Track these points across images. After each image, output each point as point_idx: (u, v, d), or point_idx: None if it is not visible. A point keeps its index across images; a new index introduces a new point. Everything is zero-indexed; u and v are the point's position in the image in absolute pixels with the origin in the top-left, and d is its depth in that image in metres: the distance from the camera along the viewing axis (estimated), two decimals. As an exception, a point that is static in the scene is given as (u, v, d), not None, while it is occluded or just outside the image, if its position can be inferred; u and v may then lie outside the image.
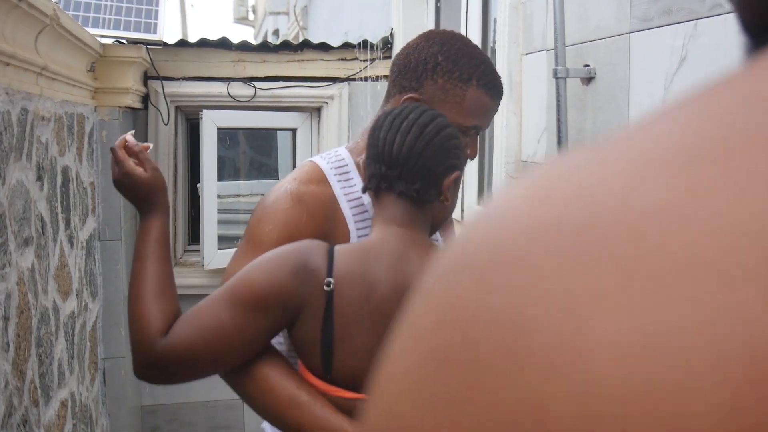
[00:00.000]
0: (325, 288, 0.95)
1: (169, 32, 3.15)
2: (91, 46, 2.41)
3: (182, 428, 3.19)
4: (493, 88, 1.15)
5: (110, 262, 2.70)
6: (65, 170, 2.18)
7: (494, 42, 2.39)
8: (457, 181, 1.08)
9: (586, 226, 0.16)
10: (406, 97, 1.13)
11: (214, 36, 3.04)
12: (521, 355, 0.15)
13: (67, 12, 2.34)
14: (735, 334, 0.13)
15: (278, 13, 8.97)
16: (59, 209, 2.12)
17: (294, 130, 3.30)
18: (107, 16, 2.92)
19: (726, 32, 1.11)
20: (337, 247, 0.99)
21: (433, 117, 1.02)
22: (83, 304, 2.39)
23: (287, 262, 0.95)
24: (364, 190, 1.06)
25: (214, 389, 3.21)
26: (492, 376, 0.15)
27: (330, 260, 0.96)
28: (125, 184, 1.04)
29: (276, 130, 3.76)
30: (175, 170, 3.06)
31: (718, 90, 0.17)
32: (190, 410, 3.19)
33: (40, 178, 1.91)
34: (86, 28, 2.52)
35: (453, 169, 1.03)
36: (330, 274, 0.95)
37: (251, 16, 13.29)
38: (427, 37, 1.17)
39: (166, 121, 2.94)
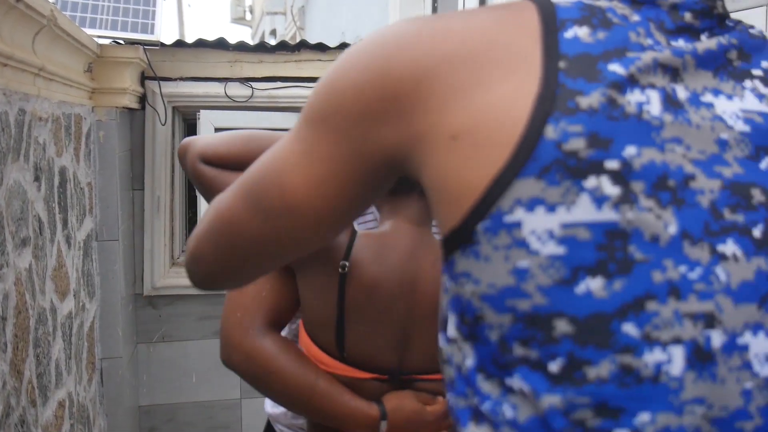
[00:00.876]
0: (340, 270, 0.96)
1: (166, 32, 3.16)
2: (89, 47, 2.41)
3: (180, 428, 3.19)
4: None
5: (107, 263, 2.70)
6: (63, 171, 2.19)
7: (491, 42, 2.39)
8: None
9: (430, 33, 0.56)
10: None
11: (211, 36, 3.06)
12: (386, 46, 0.57)
13: (64, 12, 2.34)
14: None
15: (275, 13, 8.98)
16: (57, 210, 2.12)
17: (291, 131, 3.30)
18: (104, 17, 2.92)
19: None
20: (360, 232, 1.00)
21: None
22: (81, 304, 2.39)
23: None
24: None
25: (213, 389, 3.21)
26: (374, 56, 0.58)
27: (350, 242, 0.98)
28: None
29: (273, 130, 3.76)
30: (173, 170, 3.06)
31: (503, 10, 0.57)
32: (188, 410, 3.19)
33: (37, 179, 1.91)
34: (83, 29, 2.52)
35: None
36: (347, 257, 0.97)
37: (248, 16, 13.28)
38: None
39: (163, 122, 2.94)
